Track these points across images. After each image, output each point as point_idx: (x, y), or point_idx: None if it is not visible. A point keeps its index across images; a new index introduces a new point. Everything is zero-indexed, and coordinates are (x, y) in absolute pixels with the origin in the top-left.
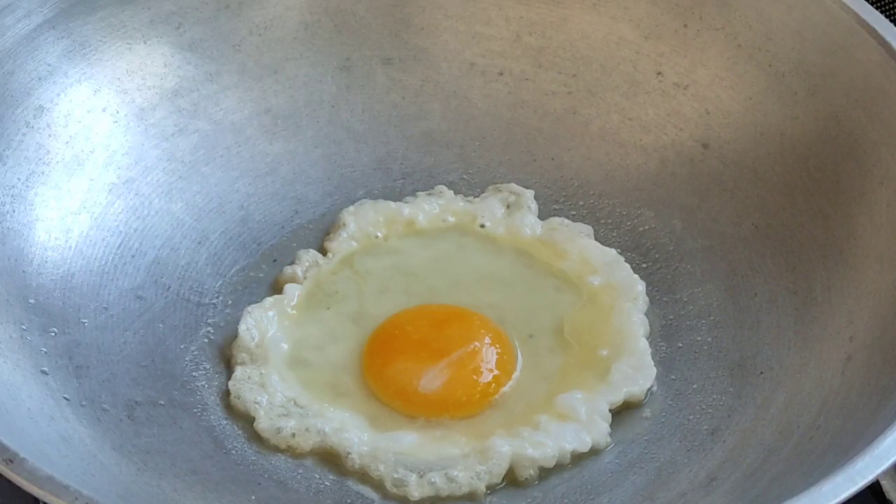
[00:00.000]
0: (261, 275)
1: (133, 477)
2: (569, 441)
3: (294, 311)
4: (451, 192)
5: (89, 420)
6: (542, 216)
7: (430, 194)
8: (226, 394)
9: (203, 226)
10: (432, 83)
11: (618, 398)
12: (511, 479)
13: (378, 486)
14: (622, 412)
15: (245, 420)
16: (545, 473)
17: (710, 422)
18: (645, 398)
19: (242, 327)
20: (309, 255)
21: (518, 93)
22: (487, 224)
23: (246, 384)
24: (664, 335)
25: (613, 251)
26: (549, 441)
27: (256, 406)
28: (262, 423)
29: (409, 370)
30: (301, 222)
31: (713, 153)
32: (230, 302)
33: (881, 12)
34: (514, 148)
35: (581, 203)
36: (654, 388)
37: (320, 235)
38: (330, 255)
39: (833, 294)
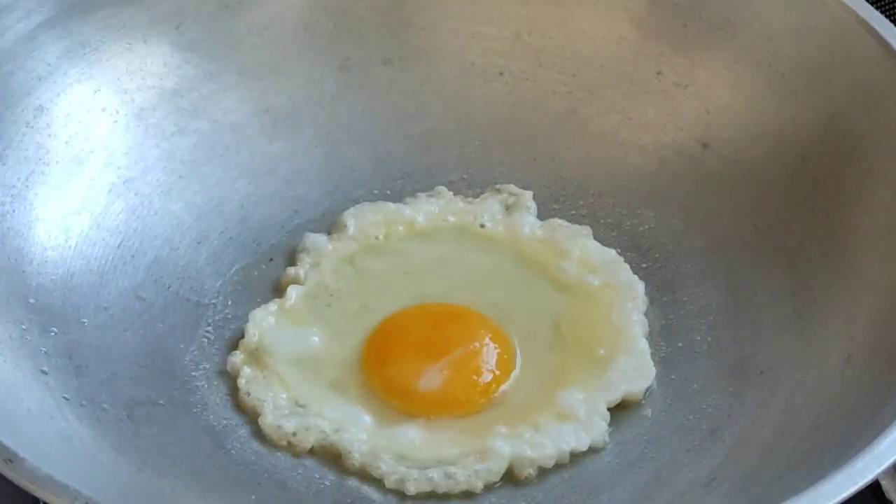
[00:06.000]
0: (261, 275)
1: (133, 477)
2: (567, 441)
3: (296, 311)
4: (451, 192)
5: (89, 420)
6: (542, 216)
7: (429, 195)
8: (226, 393)
9: (203, 225)
10: (432, 83)
11: (616, 397)
12: (510, 478)
13: (378, 484)
14: (622, 412)
15: (245, 420)
16: (545, 473)
17: (709, 422)
18: (644, 398)
19: (248, 328)
20: (310, 256)
21: (518, 93)
22: (487, 224)
23: (252, 383)
24: (664, 335)
25: (613, 251)
26: (547, 441)
27: (262, 405)
28: (267, 422)
29: (409, 369)
30: (301, 222)
31: (713, 153)
32: (230, 302)
33: (881, 12)
34: (514, 148)
35: (581, 203)
36: (654, 387)
37: (320, 234)
38: (331, 255)
39: (833, 294)
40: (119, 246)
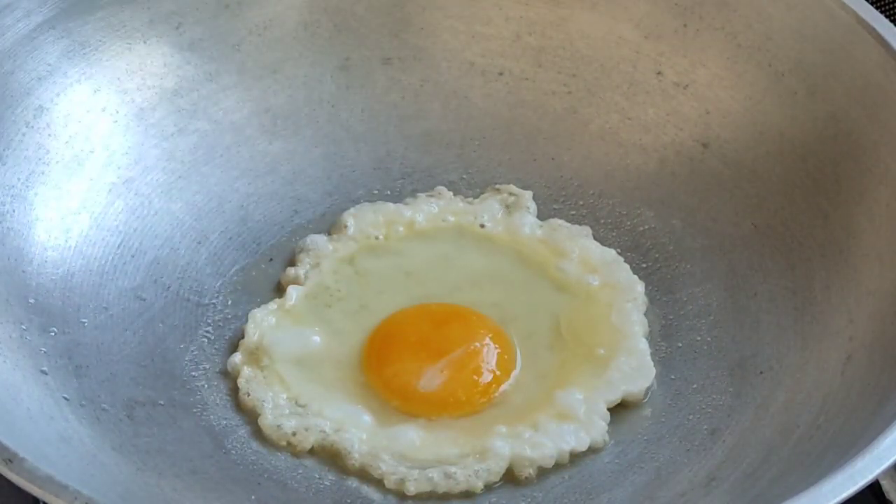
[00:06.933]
0: (261, 275)
1: (133, 477)
2: (567, 441)
3: (296, 311)
4: (451, 193)
5: (89, 420)
6: (542, 216)
7: (429, 195)
8: (226, 393)
9: (203, 225)
10: (432, 83)
11: (616, 397)
12: (510, 478)
13: (378, 485)
14: (622, 412)
15: (245, 420)
16: (545, 473)
17: (709, 421)
18: (644, 398)
19: (248, 328)
20: (310, 256)
21: (518, 93)
22: (487, 224)
23: (251, 383)
24: (664, 335)
25: (613, 251)
26: (547, 441)
27: (262, 405)
28: (267, 422)
29: (409, 369)
30: (301, 222)
31: (713, 153)
32: (230, 302)
33: (881, 12)
34: (514, 148)
35: (580, 203)
36: (654, 387)
37: (320, 235)
38: (331, 255)
39: (833, 294)
40: (119, 246)
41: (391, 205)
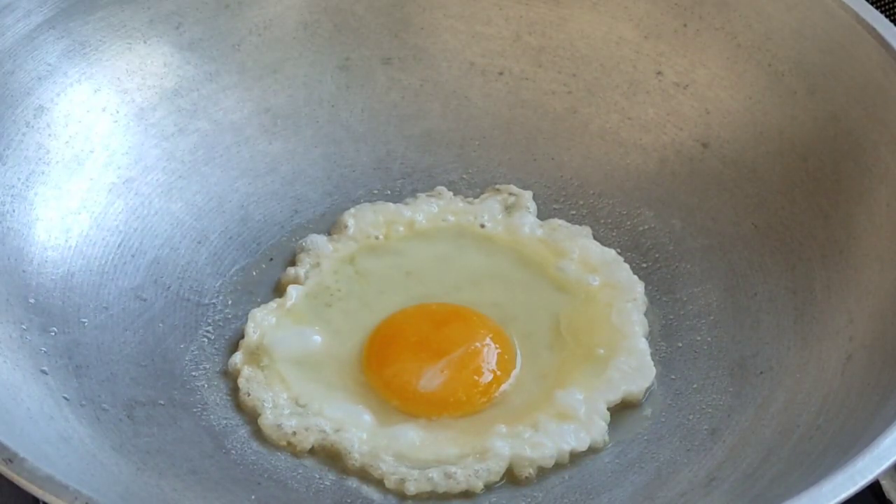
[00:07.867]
0: (261, 274)
1: (133, 477)
2: (567, 441)
3: (296, 311)
4: (451, 193)
5: (89, 420)
6: (542, 216)
7: (429, 195)
8: (226, 393)
9: (203, 225)
10: (432, 83)
11: (616, 397)
12: (511, 478)
13: (378, 484)
14: (622, 412)
15: (245, 420)
16: (545, 473)
17: (709, 421)
18: (644, 398)
19: (248, 328)
20: (310, 256)
21: (518, 93)
22: (487, 224)
23: (252, 383)
24: (664, 335)
25: (613, 251)
26: (547, 441)
27: (262, 405)
28: (267, 422)
29: (409, 369)
30: (301, 222)
31: (713, 153)
32: (230, 302)
33: (881, 12)
34: (514, 148)
35: (580, 203)
36: (654, 387)
37: (320, 235)
38: (331, 255)
39: (833, 294)
40: (119, 246)
41: (391, 205)
